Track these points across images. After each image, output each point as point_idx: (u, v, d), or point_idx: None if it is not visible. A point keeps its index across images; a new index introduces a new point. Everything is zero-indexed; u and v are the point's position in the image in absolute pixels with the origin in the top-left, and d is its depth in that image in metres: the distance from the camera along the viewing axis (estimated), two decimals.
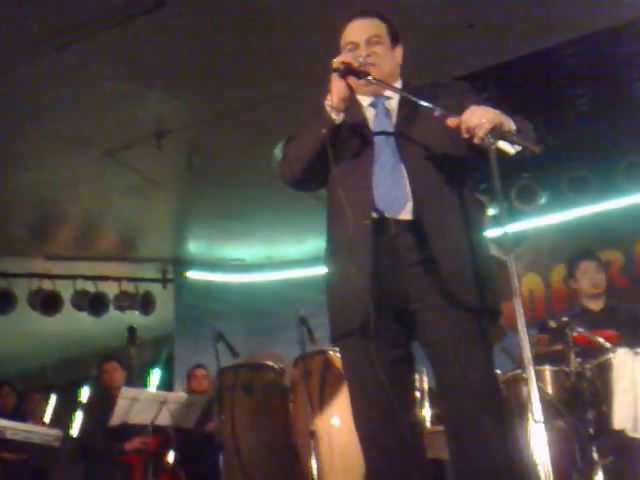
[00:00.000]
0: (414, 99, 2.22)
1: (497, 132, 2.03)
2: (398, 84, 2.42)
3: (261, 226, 6.96)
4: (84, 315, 7.17)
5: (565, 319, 3.37)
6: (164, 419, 4.75)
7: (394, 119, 2.34)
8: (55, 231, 6.92)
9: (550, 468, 1.85)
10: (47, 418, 6.36)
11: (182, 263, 7.76)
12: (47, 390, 7.45)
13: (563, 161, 5.91)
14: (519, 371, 3.42)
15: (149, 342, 7.85)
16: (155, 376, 8.16)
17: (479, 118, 2.04)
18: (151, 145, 5.37)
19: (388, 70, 2.37)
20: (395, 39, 2.43)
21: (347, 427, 3.07)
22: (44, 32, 4.19)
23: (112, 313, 7.23)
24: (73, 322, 7.46)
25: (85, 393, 7.74)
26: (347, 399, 2.34)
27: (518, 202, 6.03)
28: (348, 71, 2.18)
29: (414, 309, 2.20)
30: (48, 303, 6.89)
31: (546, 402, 3.12)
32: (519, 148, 2.06)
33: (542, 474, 1.85)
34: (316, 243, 6.31)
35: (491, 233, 2.54)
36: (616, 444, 3.14)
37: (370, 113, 2.37)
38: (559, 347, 3.42)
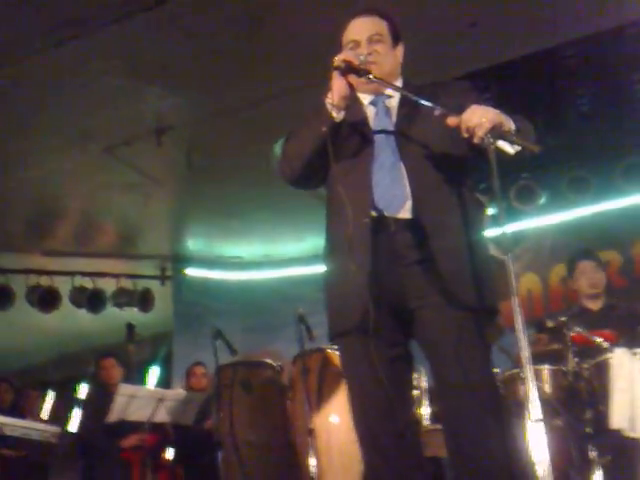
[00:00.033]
0: (414, 98, 2.22)
1: (497, 132, 2.04)
2: (399, 83, 2.42)
3: (260, 224, 6.95)
4: (82, 312, 7.15)
5: (563, 319, 3.38)
6: (162, 416, 4.76)
7: (394, 118, 2.34)
8: (53, 227, 6.90)
9: (548, 467, 1.85)
10: (45, 414, 6.35)
11: (181, 260, 7.74)
12: (45, 386, 7.45)
13: (563, 161, 5.91)
14: (517, 370, 3.42)
15: (147, 339, 7.84)
16: (153, 373, 8.17)
17: (479, 117, 2.04)
18: (151, 142, 5.36)
19: (389, 69, 2.37)
20: (397, 38, 2.43)
21: (346, 425, 3.08)
22: (44, 28, 4.19)
23: (110, 310, 7.22)
24: (71, 318, 7.44)
25: (83, 390, 7.74)
26: (345, 397, 2.35)
27: (517, 202, 6.02)
28: (349, 69, 2.18)
29: (412, 307, 2.20)
30: (46, 299, 6.88)
31: (544, 401, 3.13)
32: (519, 148, 2.05)
33: (540, 473, 1.85)
34: (315, 241, 6.33)
35: (490, 233, 2.54)
36: (613, 443, 3.14)
37: (370, 111, 2.37)
38: (557, 346, 3.43)
